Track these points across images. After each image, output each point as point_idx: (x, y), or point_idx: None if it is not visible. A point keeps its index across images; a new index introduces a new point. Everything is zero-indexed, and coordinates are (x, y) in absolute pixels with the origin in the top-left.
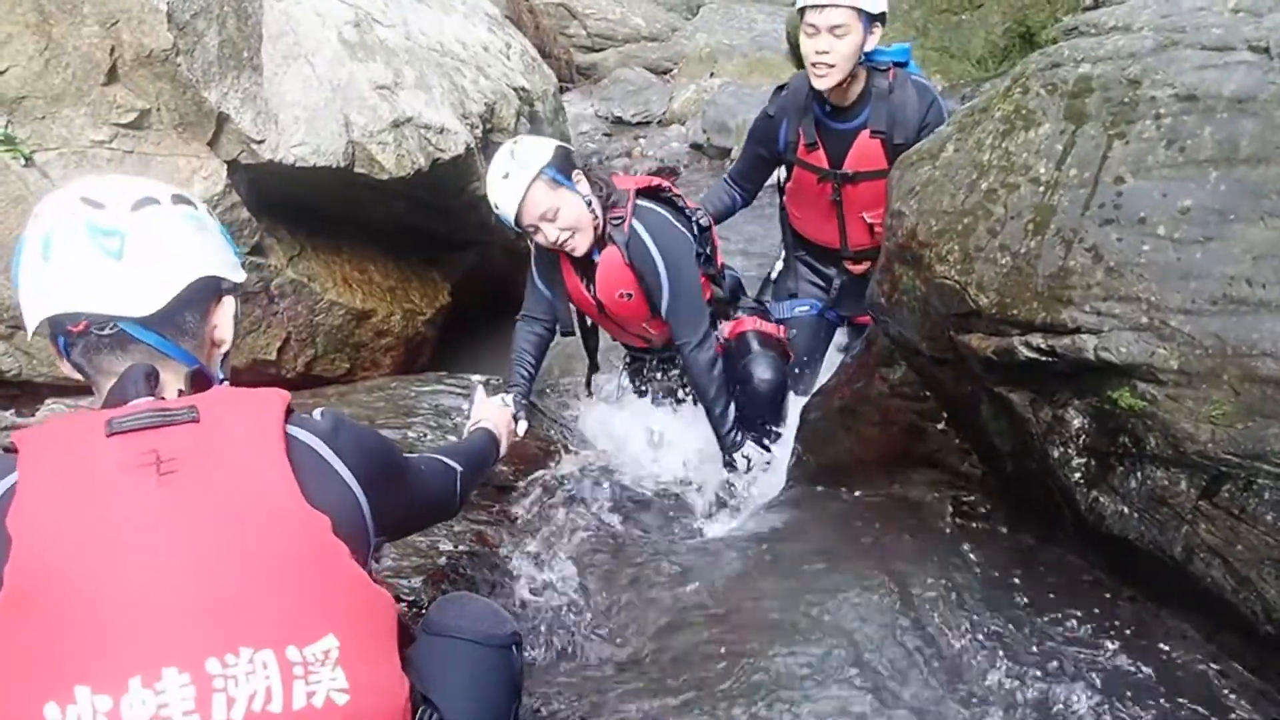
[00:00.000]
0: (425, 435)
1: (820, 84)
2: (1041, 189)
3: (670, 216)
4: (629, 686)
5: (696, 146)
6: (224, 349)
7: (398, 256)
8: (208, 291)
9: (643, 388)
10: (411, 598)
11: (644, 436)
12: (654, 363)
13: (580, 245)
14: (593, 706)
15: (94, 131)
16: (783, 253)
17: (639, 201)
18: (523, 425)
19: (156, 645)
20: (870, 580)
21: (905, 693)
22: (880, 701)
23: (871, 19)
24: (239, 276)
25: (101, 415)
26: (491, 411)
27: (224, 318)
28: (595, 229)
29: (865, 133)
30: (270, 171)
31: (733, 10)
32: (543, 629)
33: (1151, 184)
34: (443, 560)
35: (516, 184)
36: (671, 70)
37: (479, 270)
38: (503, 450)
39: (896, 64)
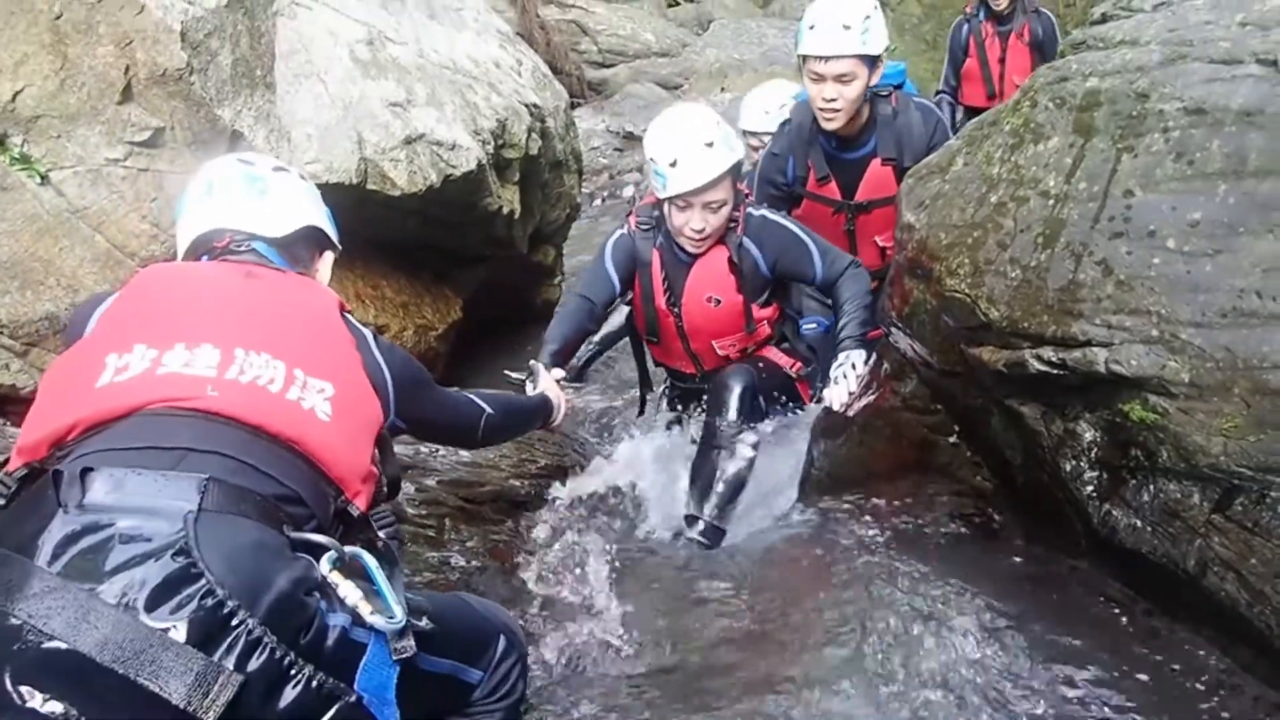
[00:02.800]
0: (437, 450)
1: (830, 125)
2: (1051, 202)
3: None
4: (641, 699)
5: None
6: None
7: (410, 272)
8: (317, 240)
9: (680, 419)
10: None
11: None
12: (696, 400)
13: (704, 246)
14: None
15: (109, 150)
16: None
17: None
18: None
19: (204, 330)
20: (883, 594)
21: (917, 704)
22: (893, 712)
23: (874, 59)
24: (338, 242)
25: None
26: (553, 387)
27: (325, 267)
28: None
29: (876, 161)
30: None
31: (743, 25)
32: (557, 642)
33: (1160, 197)
34: (455, 576)
35: (717, 161)
36: (682, 85)
37: (491, 285)
38: (556, 419)
39: (894, 86)
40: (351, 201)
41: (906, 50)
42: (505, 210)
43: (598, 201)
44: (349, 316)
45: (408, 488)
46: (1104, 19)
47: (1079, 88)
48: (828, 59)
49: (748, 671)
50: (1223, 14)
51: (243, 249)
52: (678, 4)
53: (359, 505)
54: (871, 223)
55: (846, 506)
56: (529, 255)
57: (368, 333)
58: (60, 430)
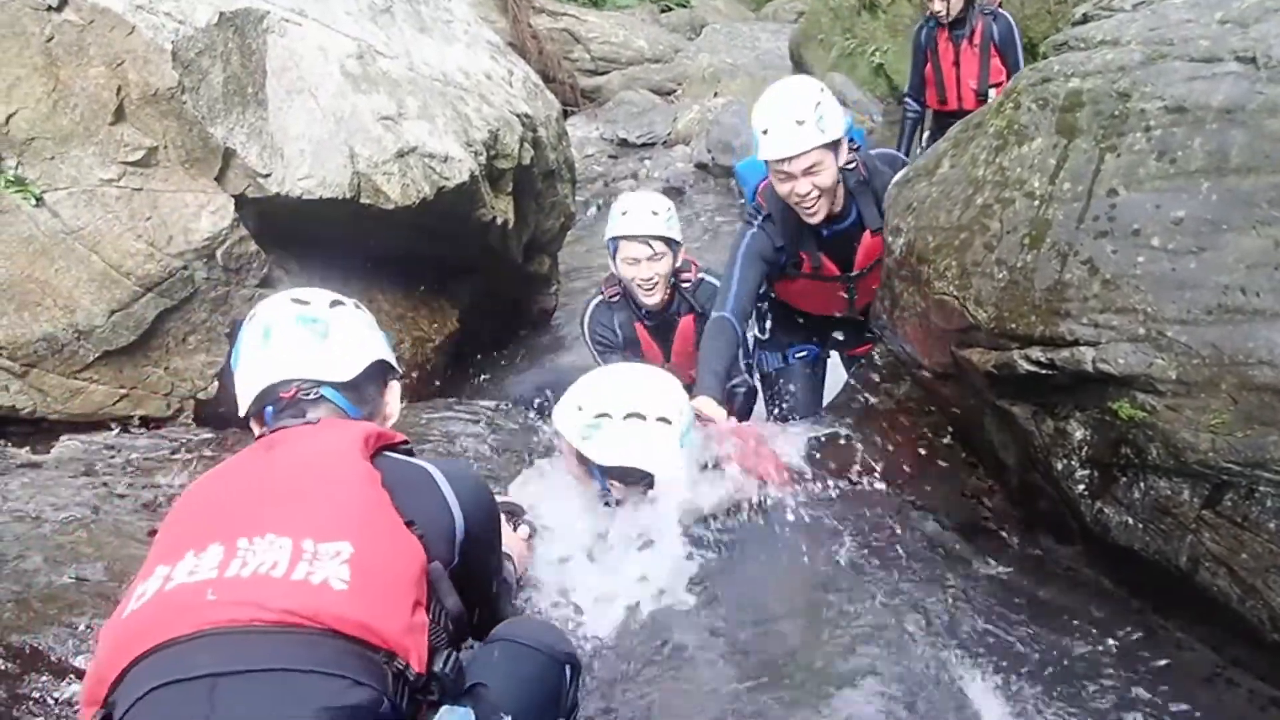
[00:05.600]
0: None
1: (813, 220)
2: (1036, 203)
3: None
4: (635, 706)
5: (701, 166)
6: (390, 422)
7: (406, 284)
8: (382, 373)
9: None
10: None
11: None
12: None
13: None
14: None
15: (102, 170)
16: (768, 315)
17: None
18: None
19: (212, 530)
20: (883, 595)
21: (917, 703)
22: (892, 711)
23: (838, 141)
24: (399, 367)
25: None
26: (509, 540)
27: (393, 396)
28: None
29: (866, 233)
30: (277, 204)
31: (735, 30)
32: None
33: (1144, 196)
34: None
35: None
36: (675, 91)
37: (487, 295)
38: (519, 572)
39: (852, 149)
40: (345, 215)
41: (900, 51)
42: (499, 221)
43: (592, 210)
44: (395, 457)
45: None
46: (1085, 19)
47: (1061, 88)
48: (790, 158)
49: (738, 674)
50: (1202, 12)
51: (311, 396)
52: (670, 9)
53: (414, 665)
54: (872, 280)
55: (843, 507)
56: (524, 265)
57: (435, 467)
58: (106, 675)
